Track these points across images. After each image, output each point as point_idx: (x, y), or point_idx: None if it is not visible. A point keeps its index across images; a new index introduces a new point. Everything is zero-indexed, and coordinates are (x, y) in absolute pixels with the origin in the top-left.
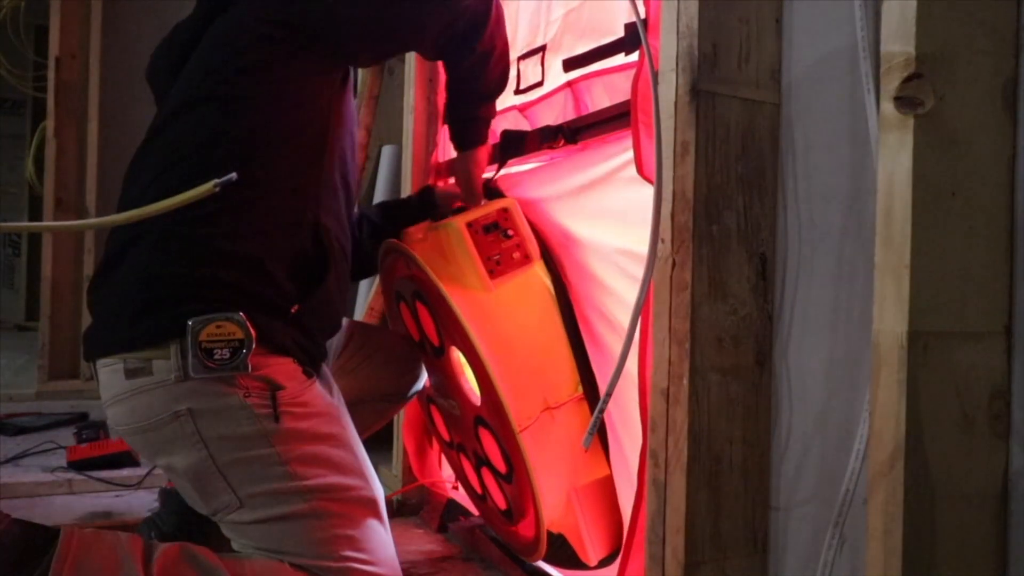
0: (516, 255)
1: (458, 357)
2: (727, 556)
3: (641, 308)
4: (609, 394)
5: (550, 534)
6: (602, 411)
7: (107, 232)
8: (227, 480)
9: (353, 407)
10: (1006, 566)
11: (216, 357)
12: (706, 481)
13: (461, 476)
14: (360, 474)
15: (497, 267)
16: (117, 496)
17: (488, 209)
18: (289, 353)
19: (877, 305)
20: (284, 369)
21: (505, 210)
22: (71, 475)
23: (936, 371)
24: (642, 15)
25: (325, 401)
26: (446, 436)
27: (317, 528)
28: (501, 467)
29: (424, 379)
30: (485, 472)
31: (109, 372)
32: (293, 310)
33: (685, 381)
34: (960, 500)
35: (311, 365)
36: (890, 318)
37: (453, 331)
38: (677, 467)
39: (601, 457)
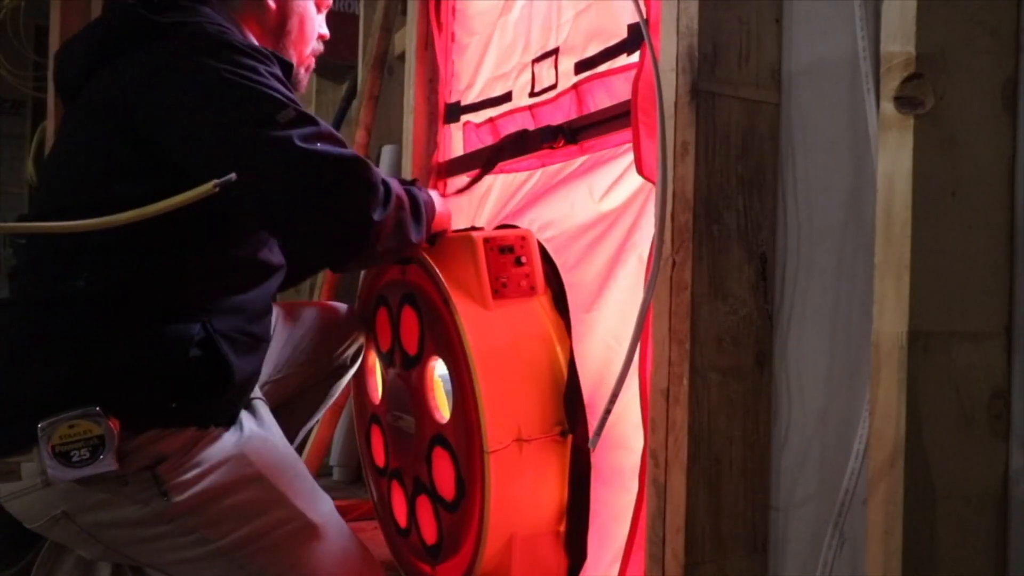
0: (523, 283)
1: (432, 369)
2: (727, 556)
3: (647, 309)
4: (615, 395)
5: None
6: (608, 412)
7: None
8: (137, 560)
9: (297, 398)
10: (1006, 566)
11: (75, 460)
12: (706, 481)
13: (384, 507)
14: (286, 504)
15: (503, 289)
16: None
17: (508, 232)
18: (170, 425)
19: (877, 305)
20: (165, 438)
21: (523, 238)
22: None
23: (936, 371)
24: (644, 15)
25: (230, 444)
26: (380, 462)
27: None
28: (449, 493)
29: (362, 343)
30: (420, 502)
31: None
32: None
33: (685, 381)
34: (960, 500)
35: (205, 421)
36: (890, 318)
37: (443, 338)
38: (677, 467)
39: (558, 513)
